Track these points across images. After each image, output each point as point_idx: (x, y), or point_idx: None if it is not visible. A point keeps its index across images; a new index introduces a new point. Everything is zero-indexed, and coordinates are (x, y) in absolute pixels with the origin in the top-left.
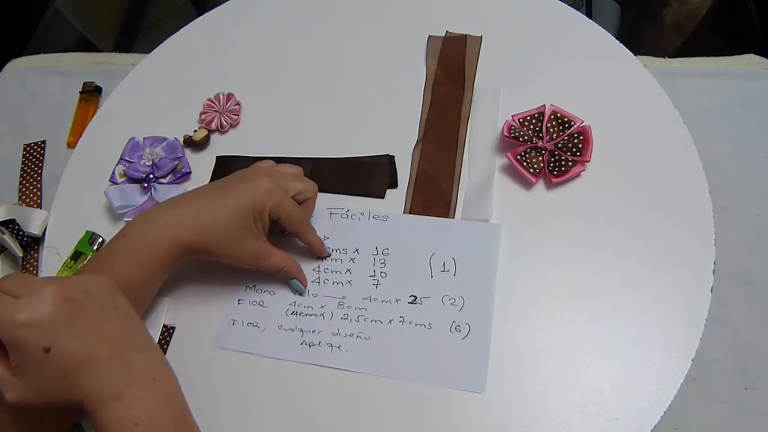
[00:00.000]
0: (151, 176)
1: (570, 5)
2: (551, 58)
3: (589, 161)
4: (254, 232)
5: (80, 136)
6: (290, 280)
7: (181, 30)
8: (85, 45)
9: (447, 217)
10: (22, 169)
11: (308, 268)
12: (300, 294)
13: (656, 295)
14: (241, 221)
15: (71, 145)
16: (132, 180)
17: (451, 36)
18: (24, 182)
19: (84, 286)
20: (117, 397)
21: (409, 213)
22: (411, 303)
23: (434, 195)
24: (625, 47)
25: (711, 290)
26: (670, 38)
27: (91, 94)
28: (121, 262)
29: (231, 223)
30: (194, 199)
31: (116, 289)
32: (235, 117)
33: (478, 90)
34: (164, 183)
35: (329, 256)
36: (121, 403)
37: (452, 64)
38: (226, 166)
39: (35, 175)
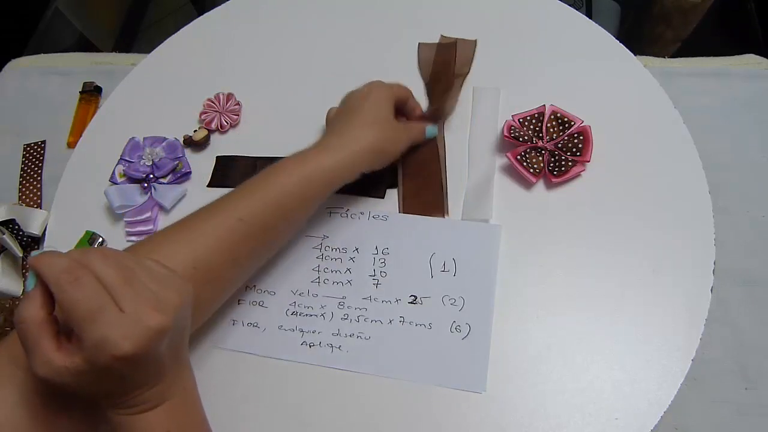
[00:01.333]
0: (151, 176)
1: (570, 5)
2: (551, 58)
3: (589, 161)
4: (392, 120)
5: (80, 136)
6: (427, 132)
7: (181, 30)
8: (85, 45)
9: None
10: (22, 169)
11: (308, 268)
12: (434, 135)
13: (656, 295)
14: (383, 115)
15: (71, 145)
16: (132, 180)
17: (443, 42)
18: (24, 182)
19: (178, 312)
20: (150, 407)
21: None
22: (411, 303)
23: (423, 205)
24: (625, 47)
25: (711, 290)
26: (670, 38)
27: (91, 94)
28: (285, 173)
29: (376, 122)
30: (337, 125)
31: (191, 303)
32: (235, 117)
33: (478, 90)
34: (164, 183)
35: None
36: (155, 411)
37: (441, 72)
38: (226, 166)
39: (35, 175)
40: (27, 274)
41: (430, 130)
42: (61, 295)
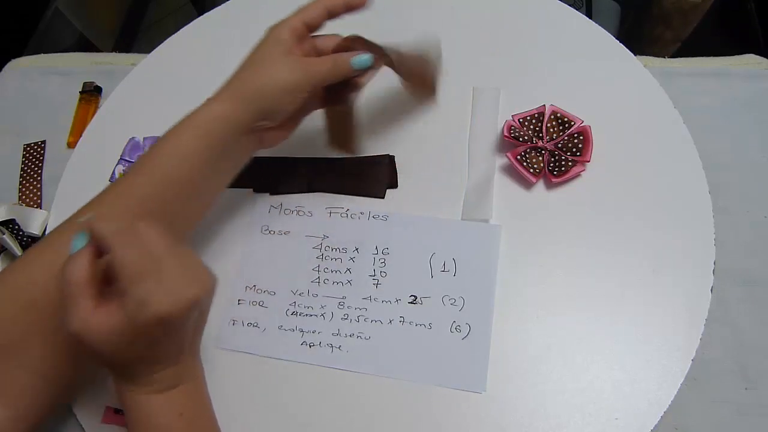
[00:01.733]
0: None
1: (570, 5)
2: (551, 58)
3: (589, 161)
4: (286, 52)
5: (80, 136)
6: (352, 62)
7: (181, 30)
8: (85, 45)
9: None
10: (22, 169)
11: (308, 268)
12: (370, 67)
13: (656, 295)
14: (266, 54)
15: (71, 145)
16: None
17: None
18: (24, 182)
19: (204, 299)
20: (165, 388)
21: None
22: (411, 303)
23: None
24: (625, 47)
25: (711, 290)
26: (669, 38)
27: (91, 94)
28: (168, 141)
29: (258, 62)
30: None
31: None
32: None
33: (478, 90)
34: None
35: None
36: (169, 393)
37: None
38: None
39: (35, 175)
40: (72, 236)
41: (360, 59)
42: (117, 252)
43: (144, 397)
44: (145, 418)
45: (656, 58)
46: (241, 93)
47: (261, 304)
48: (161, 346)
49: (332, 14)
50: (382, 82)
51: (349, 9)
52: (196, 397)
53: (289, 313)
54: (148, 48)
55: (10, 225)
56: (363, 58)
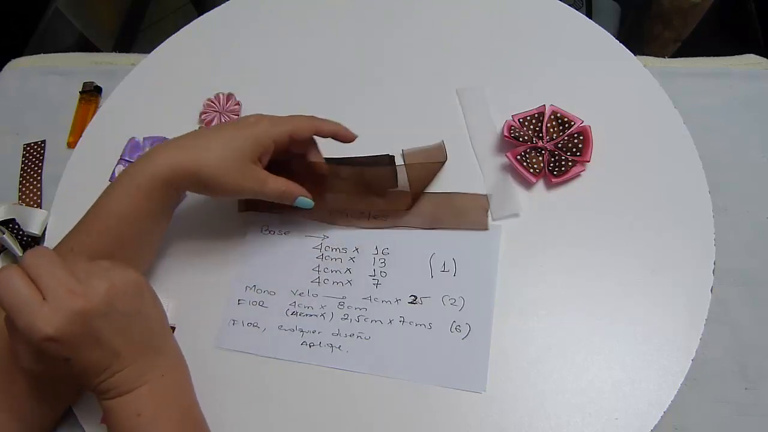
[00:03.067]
0: None
1: (570, 5)
2: (551, 58)
3: (589, 161)
4: (251, 158)
5: (80, 136)
6: (296, 200)
7: (181, 30)
8: (85, 45)
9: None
10: (22, 169)
11: (308, 268)
12: (310, 208)
13: (656, 295)
14: (238, 146)
15: (71, 145)
16: None
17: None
18: (24, 182)
19: (110, 298)
20: (125, 391)
21: None
22: (411, 303)
23: None
24: (625, 47)
25: (711, 290)
26: (669, 38)
27: (91, 94)
28: (110, 196)
29: (226, 148)
30: (190, 134)
31: (143, 288)
32: (235, 117)
33: (461, 92)
34: None
35: (355, 138)
36: (127, 395)
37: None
38: None
39: (35, 175)
40: None
41: (304, 202)
42: None
43: (105, 403)
44: (110, 421)
45: (656, 58)
46: (190, 166)
47: (261, 304)
48: (82, 361)
49: (319, 135)
50: (382, 82)
51: (336, 138)
52: (158, 397)
53: (289, 313)
54: (148, 48)
55: (10, 225)
56: (307, 202)
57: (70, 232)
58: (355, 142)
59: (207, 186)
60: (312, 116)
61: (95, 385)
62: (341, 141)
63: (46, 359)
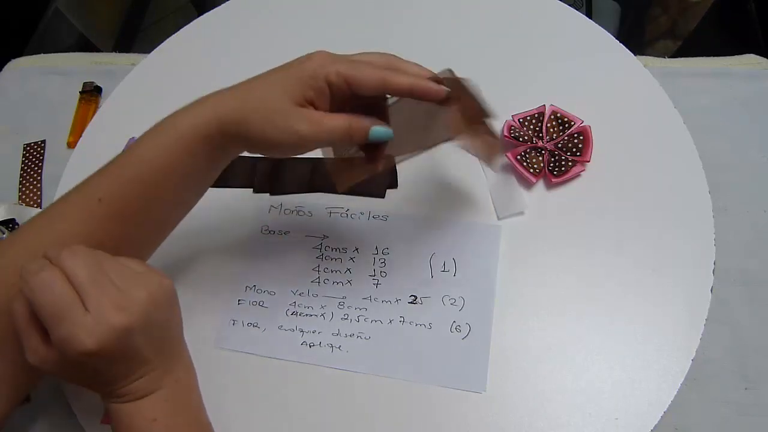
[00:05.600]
0: None
1: (570, 5)
2: (551, 58)
3: (589, 161)
4: (297, 100)
5: (80, 136)
6: (371, 132)
7: (181, 30)
8: (85, 45)
9: None
10: (22, 168)
11: (308, 268)
12: (390, 138)
13: (656, 295)
14: (284, 88)
15: (71, 145)
16: None
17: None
18: (24, 182)
19: (149, 310)
20: (141, 396)
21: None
22: (411, 303)
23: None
24: (625, 47)
25: (711, 290)
26: (670, 38)
27: (91, 94)
28: (145, 145)
29: (272, 91)
30: (241, 83)
31: (174, 295)
32: None
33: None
34: None
35: (444, 93)
36: (142, 400)
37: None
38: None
39: (35, 175)
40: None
41: (379, 131)
42: (31, 298)
43: (117, 406)
44: (122, 425)
45: (656, 58)
46: (236, 116)
47: (261, 304)
48: (111, 372)
49: (388, 93)
50: None
51: (413, 96)
52: (175, 401)
53: (289, 313)
54: (148, 48)
55: (10, 225)
56: (385, 131)
57: (93, 179)
58: None
59: (255, 141)
60: (390, 59)
61: (112, 389)
62: (423, 99)
63: (67, 365)
